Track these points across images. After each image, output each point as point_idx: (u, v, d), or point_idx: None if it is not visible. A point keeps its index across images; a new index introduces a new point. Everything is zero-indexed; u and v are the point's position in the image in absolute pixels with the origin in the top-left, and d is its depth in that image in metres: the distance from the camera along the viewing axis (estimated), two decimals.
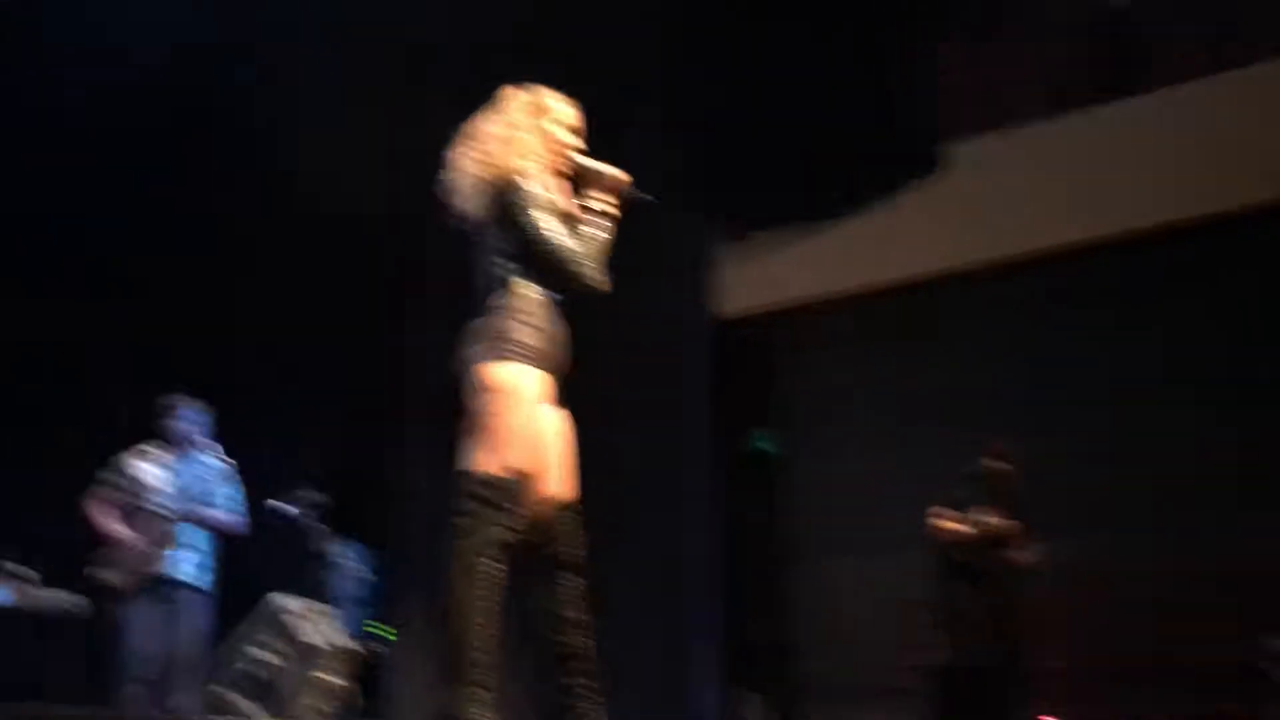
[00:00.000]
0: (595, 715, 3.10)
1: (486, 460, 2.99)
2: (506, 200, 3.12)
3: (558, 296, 3.17)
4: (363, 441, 8.34)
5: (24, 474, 7.35)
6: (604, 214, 3.24)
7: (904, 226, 7.05)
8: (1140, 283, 7.50)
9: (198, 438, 5.86)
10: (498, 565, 2.92)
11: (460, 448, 3.06)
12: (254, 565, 7.77)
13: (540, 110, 3.32)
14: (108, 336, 8.28)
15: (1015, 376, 7.83)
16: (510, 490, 2.98)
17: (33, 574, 5.89)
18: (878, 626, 7.89)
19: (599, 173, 3.30)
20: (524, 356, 3.06)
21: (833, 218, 7.21)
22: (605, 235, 3.20)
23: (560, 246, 3.10)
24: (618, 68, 7.47)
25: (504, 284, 3.12)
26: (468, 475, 3.00)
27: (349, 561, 6.09)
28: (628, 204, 3.31)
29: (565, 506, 3.19)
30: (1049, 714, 7.11)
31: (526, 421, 3.05)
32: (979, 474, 6.06)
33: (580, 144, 3.35)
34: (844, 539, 8.23)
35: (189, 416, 5.87)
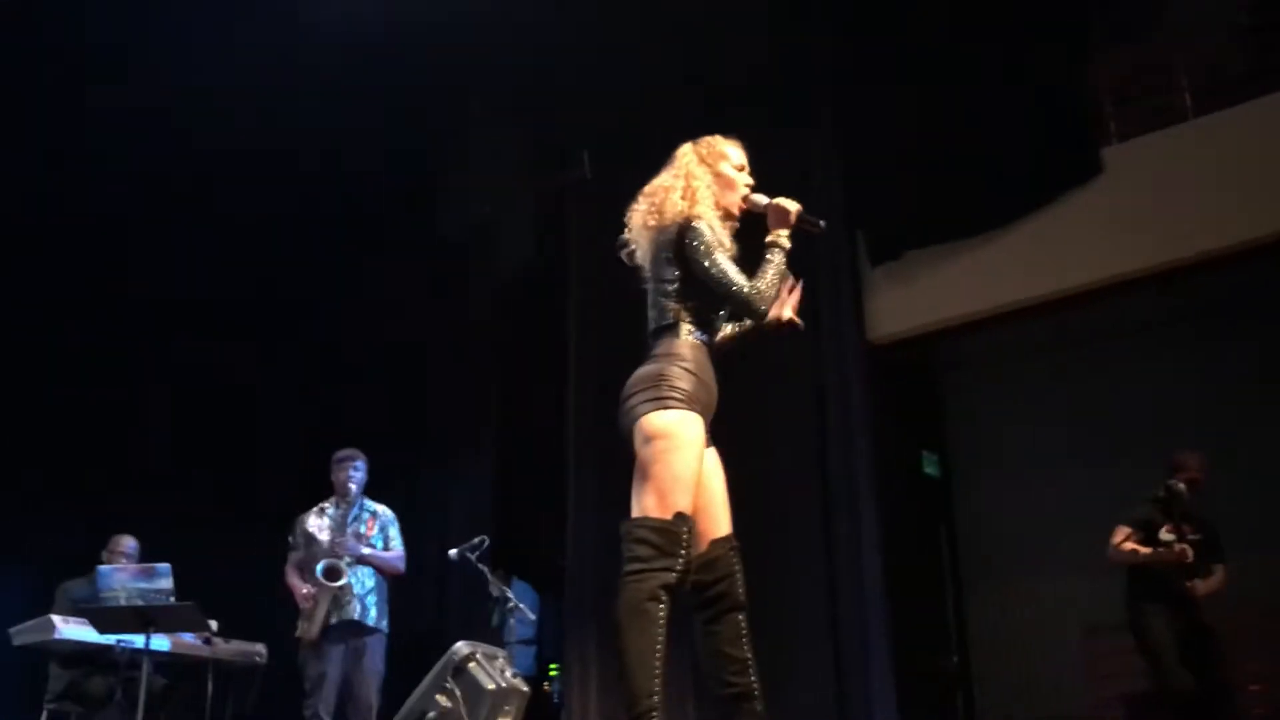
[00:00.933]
0: None
1: (656, 506, 3.06)
2: (681, 242, 3.25)
3: (712, 341, 3.29)
4: (531, 486, 8.47)
5: (203, 527, 7.67)
6: (777, 247, 3.32)
7: (1063, 235, 6.79)
8: None
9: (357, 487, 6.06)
10: (664, 608, 2.98)
11: (631, 494, 3.14)
12: (431, 608, 7.93)
13: (713, 157, 3.48)
14: (281, 394, 8.61)
15: (1189, 385, 7.49)
16: (678, 535, 3.04)
17: (212, 624, 6.12)
18: (1058, 654, 7.62)
19: (772, 207, 3.40)
20: (685, 402, 3.13)
21: (988, 231, 6.98)
22: (778, 268, 3.29)
23: (735, 285, 3.20)
24: (766, 91, 7.45)
25: (668, 330, 3.25)
26: (637, 521, 3.08)
27: (519, 603, 6.16)
28: (798, 232, 3.39)
29: (726, 543, 3.25)
30: None
31: (691, 466, 3.11)
32: (1163, 494, 5.76)
33: (750, 181, 3.47)
34: (1018, 562, 7.97)
35: (360, 468, 6.08)
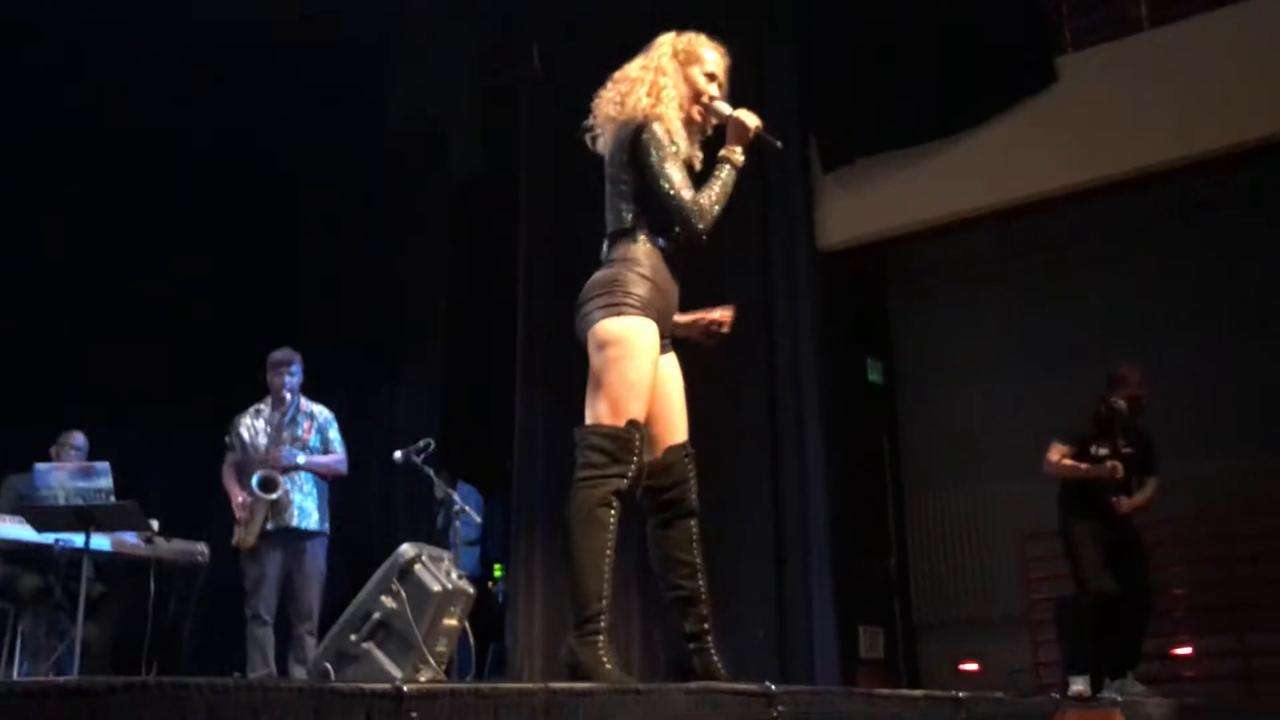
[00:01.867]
0: (711, 656, 3.13)
1: (609, 413, 3.05)
2: (635, 142, 3.17)
3: (669, 246, 3.20)
4: (479, 388, 8.45)
5: (146, 428, 7.58)
6: (729, 163, 3.23)
7: (1016, 144, 6.81)
8: (1267, 194, 7.16)
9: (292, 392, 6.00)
10: (614, 514, 3.00)
11: (586, 401, 3.12)
12: (377, 511, 7.92)
13: (688, 57, 3.35)
14: (227, 293, 8.49)
15: (1135, 297, 7.60)
16: (630, 442, 3.04)
17: (153, 523, 6.07)
18: (994, 558, 7.82)
19: (732, 120, 3.30)
20: (640, 309, 3.09)
21: (942, 138, 6.96)
22: (725, 185, 3.20)
23: (677, 196, 3.12)
24: None
25: (625, 235, 3.18)
26: (590, 428, 3.07)
27: (464, 505, 6.17)
28: (755, 147, 3.30)
29: (681, 450, 3.25)
30: (1181, 642, 6.99)
31: (645, 373, 3.09)
32: (1102, 410, 5.84)
33: (716, 92, 3.34)
34: (959, 470, 8.12)
35: (296, 371, 6.00)
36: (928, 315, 8.42)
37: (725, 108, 3.32)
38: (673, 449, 3.21)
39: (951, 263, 8.30)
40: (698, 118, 3.34)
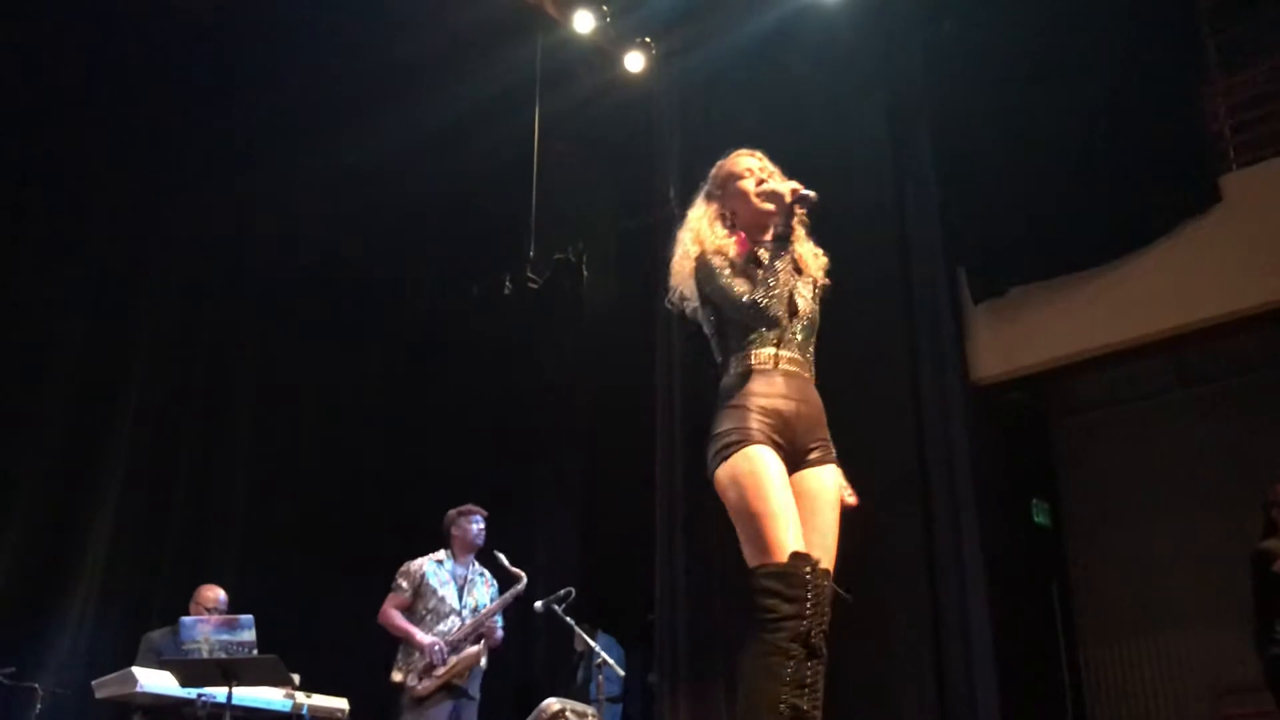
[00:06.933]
0: None
1: (763, 552, 3.06)
2: (696, 282, 3.40)
3: (756, 358, 3.30)
4: (617, 533, 8.57)
5: (284, 578, 7.87)
6: (776, 239, 3.35)
7: (1181, 269, 6.81)
8: None
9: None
10: (792, 663, 2.94)
11: (743, 549, 3.14)
12: (517, 663, 8.02)
13: (725, 179, 3.57)
14: (361, 445, 8.83)
15: None
16: (798, 576, 3.02)
17: (295, 678, 6.26)
18: (1183, 717, 7.49)
19: (771, 196, 3.44)
20: (736, 443, 3.18)
21: (1099, 265, 6.99)
22: (773, 273, 3.26)
23: (738, 302, 3.26)
24: (857, 115, 7.53)
25: (722, 373, 3.36)
26: (756, 570, 3.07)
27: (607, 658, 6.25)
28: (801, 208, 3.42)
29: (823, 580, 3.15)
30: None
31: (774, 498, 3.11)
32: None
33: (764, 177, 3.50)
34: (1137, 618, 7.87)
35: (480, 524, 6.27)
36: (1096, 451, 8.31)
37: (769, 185, 3.47)
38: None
39: (1119, 394, 8.22)
40: (765, 214, 3.44)
